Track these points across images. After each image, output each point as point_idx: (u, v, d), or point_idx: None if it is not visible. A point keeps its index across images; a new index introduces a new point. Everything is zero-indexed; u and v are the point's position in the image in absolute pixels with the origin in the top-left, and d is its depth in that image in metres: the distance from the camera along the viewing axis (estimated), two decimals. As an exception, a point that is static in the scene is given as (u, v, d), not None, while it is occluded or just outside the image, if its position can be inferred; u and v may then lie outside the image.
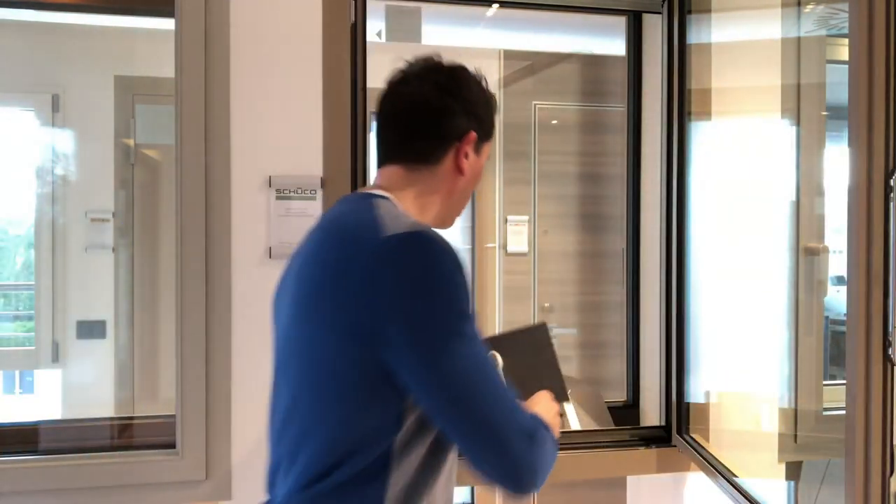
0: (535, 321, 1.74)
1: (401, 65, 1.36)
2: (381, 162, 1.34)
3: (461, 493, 3.36)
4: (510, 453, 1.13)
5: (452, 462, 1.27)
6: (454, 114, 1.30)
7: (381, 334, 1.10)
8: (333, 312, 1.15)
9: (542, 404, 1.40)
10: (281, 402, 1.26)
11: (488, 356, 1.16)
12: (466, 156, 1.31)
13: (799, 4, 2.32)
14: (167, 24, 2.05)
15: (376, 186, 1.32)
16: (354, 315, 1.12)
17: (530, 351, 1.64)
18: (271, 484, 1.27)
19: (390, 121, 1.33)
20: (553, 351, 1.68)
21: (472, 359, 1.12)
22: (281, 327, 1.30)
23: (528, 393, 1.43)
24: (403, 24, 3.15)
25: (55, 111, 3.11)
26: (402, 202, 1.28)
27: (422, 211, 1.31)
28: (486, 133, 1.36)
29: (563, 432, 2.37)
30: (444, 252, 1.13)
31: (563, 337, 3.33)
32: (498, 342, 1.55)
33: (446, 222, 1.37)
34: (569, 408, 2.39)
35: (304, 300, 1.21)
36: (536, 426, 1.20)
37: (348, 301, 1.13)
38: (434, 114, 1.30)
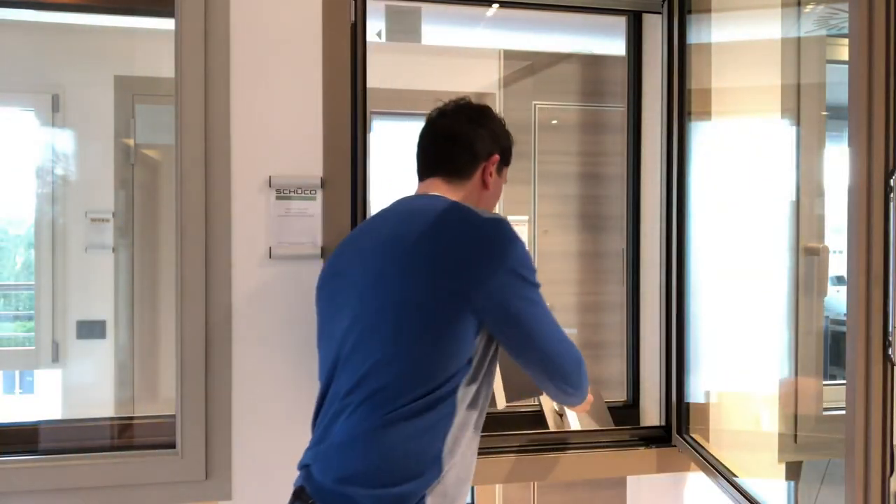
0: None
1: (438, 105, 1.77)
2: (424, 175, 1.71)
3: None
4: (570, 376, 1.62)
5: (482, 416, 1.58)
6: (482, 139, 1.69)
7: (486, 284, 1.46)
8: (443, 266, 1.48)
9: None
10: (347, 347, 1.54)
11: None
12: (490, 174, 1.70)
13: (799, 4, 2.32)
14: (167, 24, 2.05)
15: (423, 193, 1.68)
16: (464, 268, 1.46)
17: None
18: (329, 419, 1.54)
19: (432, 144, 1.71)
20: None
21: (544, 306, 1.56)
22: (354, 284, 1.59)
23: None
24: (403, 24, 3.15)
25: (55, 111, 3.11)
26: None
27: None
28: (505, 159, 1.76)
29: (562, 432, 2.38)
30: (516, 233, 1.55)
31: (563, 337, 3.32)
32: None
33: None
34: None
35: (402, 258, 1.52)
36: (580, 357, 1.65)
37: (459, 258, 1.47)
38: (467, 138, 1.68)
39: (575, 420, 2.43)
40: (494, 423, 2.27)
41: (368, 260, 1.58)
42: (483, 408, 1.57)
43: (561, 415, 2.46)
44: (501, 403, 2.24)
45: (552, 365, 1.57)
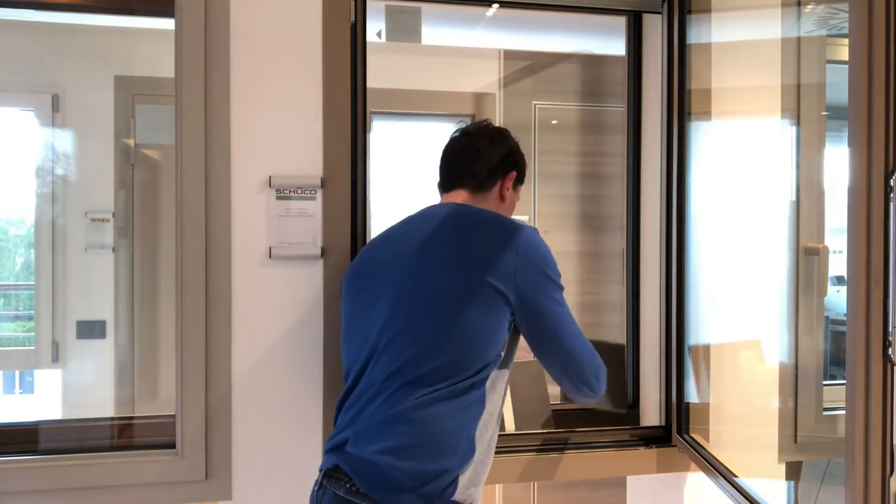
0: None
1: (461, 125, 1.94)
2: (448, 187, 1.86)
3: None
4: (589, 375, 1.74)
5: (502, 408, 1.71)
6: (501, 157, 1.83)
7: (520, 281, 1.62)
8: (480, 261, 1.61)
9: None
10: (385, 338, 1.63)
11: None
12: (507, 189, 1.84)
13: (799, 4, 2.32)
14: (167, 24, 2.05)
15: (450, 202, 1.82)
16: (500, 265, 1.60)
17: None
18: (364, 403, 1.62)
19: (456, 159, 1.86)
20: None
21: (568, 309, 1.70)
22: (393, 279, 1.69)
23: None
24: (403, 24, 3.15)
25: (55, 111, 3.11)
26: None
27: None
28: (521, 177, 1.89)
29: (560, 432, 2.38)
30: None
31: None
32: None
33: None
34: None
35: (442, 254, 1.66)
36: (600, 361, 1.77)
37: (496, 256, 1.61)
38: (488, 155, 1.83)
39: (511, 421, 2.44)
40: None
41: (407, 257, 1.68)
42: (504, 398, 1.72)
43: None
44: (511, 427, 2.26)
45: (572, 364, 1.69)
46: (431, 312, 1.61)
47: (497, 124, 1.93)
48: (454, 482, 1.57)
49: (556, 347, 1.68)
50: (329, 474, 1.62)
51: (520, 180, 1.89)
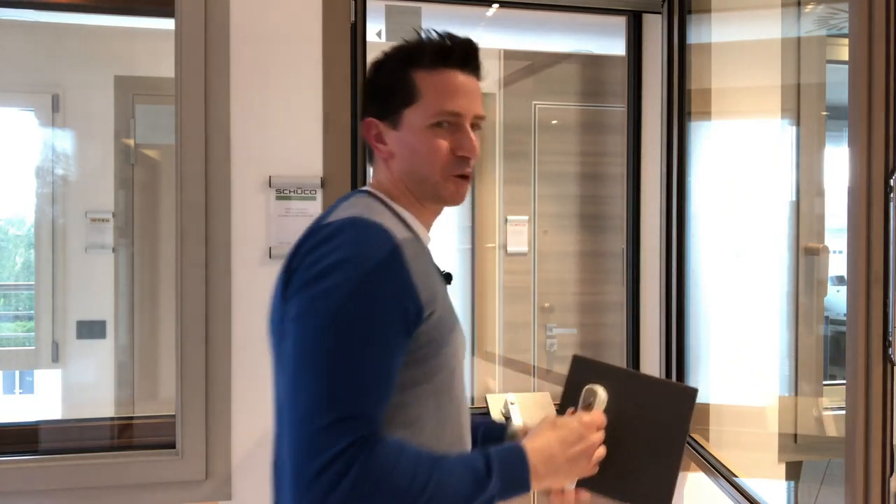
0: (685, 386, 1.31)
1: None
2: None
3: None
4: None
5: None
6: (362, 119, 1.29)
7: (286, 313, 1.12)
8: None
9: (549, 449, 1.19)
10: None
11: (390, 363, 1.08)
12: (378, 139, 1.25)
13: (799, 4, 2.32)
14: (167, 24, 2.05)
15: None
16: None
17: (655, 412, 1.21)
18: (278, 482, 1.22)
19: None
20: (685, 433, 1.21)
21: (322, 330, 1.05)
22: None
23: (620, 458, 1.23)
24: (403, 24, 3.14)
25: (55, 111, 3.11)
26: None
27: (400, 198, 1.25)
28: (389, 106, 1.24)
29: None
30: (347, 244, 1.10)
31: (563, 337, 3.32)
32: (622, 379, 1.25)
33: (435, 197, 1.25)
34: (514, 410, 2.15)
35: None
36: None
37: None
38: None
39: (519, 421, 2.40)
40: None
41: None
42: None
43: (507, 417, 2.43)
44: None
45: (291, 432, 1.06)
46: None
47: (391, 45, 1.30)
48: None
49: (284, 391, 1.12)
50: None
51: (393, 109, 1.23)
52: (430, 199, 1.25)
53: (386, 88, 1.24)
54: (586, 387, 1.24)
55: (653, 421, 1.22)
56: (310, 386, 1.03)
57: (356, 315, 1.05)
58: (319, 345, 1.05)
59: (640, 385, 1.26)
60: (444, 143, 1.21)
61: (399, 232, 1.14)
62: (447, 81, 1.23)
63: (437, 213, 1.30)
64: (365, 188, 1.27)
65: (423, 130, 1.21)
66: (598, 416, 1.23)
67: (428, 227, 1.29)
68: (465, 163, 1.23)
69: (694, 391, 1.22)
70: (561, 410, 1.29)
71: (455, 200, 1.25)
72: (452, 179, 1.23)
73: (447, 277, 1.29)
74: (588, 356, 1.34)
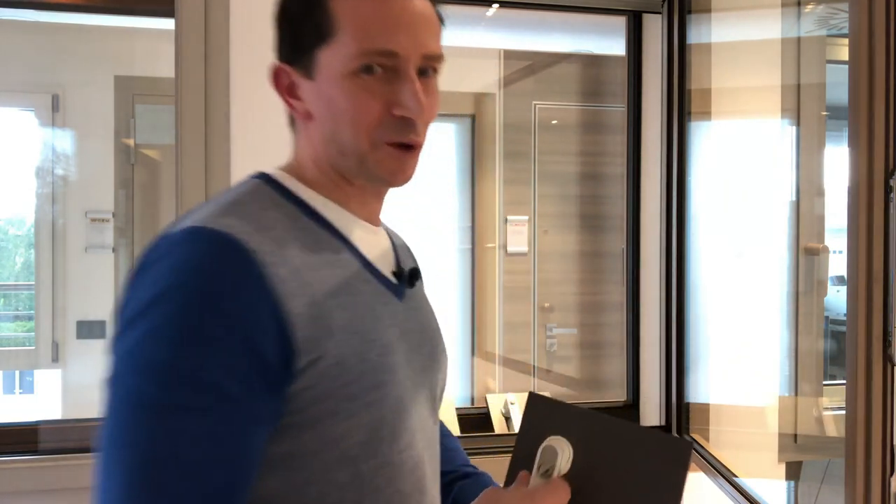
0: (676, 438, 1.05)
1: None
2: None
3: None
4: None
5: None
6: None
7: None
8: None
9: None
10: None
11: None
12: (291, 92, 0.89)
13: (799, 4, 2.32)
14: (167, 24, 2.05)
15: None
16: None
17: (637, 473, 0.86)
18: None
19: None
20: (678, 499, 0.85)
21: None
22: None
23: None
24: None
25: (55, 111, 3.11)
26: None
27: (319, 179, 0.91)
28: (299, 45, 0.87)
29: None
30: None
31: (563, 337, 3.32)
32: (592, 429, 0.90)
33: (365, 174, 0.89)
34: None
35: None
36: None
37: None
38: None
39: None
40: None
41: None
42: None
43: (507, 418, 2.44)
44: None
45: None
46: None
47: None
48: None
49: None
50: None
51: (305, 49, 0.86)
52: (360, 176, 0.88)
53: (294, 19, 0.88)
54: (544, 444, 0.89)
55: (634, 485, 0.86)
56: (113, 488, 0.71)
57: (176, 375, 0.72)
58: (127, 427, 0.72)
59: (617, 438, 0.89)
60: (373, 98, 0.84)
61: (276, 237, 0.79)
62: (377, 4, 0.84)
63: (381, 195, 0.94)
64: (269, 170, 0.92)
65: (343, 79, 0.84)
66: (558, 490, 0.85)
67: (369, 215, 0.92)
68: (407, 125, 0.85)
69: (688, 445, 0.87)
70: (512, 467, 0.94)
71: (394, 178, 0.88)
72: (386, 149, 0.86)
73: (412, 274, 0.95)
74: (546, 396, 1.02)
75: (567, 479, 0.87)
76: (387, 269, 0.92)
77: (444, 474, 1.04)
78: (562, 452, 0.88)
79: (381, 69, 0.84)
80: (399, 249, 1.00)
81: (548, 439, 0.89)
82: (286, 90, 0.90)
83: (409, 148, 0.87)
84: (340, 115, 0.85)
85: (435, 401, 0.97)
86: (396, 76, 0.84)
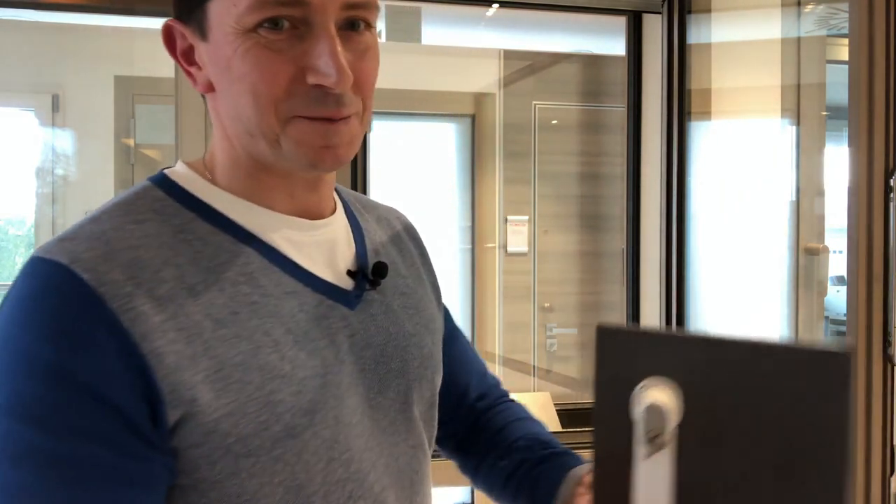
0: (829, 350, 0.58)
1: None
2: None
3: (461, 493, 3.36)
4: None
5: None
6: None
7: None
8: None
9: None
10: None
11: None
12: (187, 57, 0.74)
13: (799, 4, 2.32)
14: (167, 24, 2.04)
15: None
16: None
17: (781, 404, 0.60)
18: None
19: None
20: (845, 429, 0.59)
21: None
22: None
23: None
24: (403, 24, 3.15)
25: (55, 111, 3.11)
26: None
27: (229, 171, 0.75)
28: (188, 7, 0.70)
29: (560, 432, 2.38)
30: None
31: (563, 337, 3.32)
32: (702, 356, 0.63)
33: (276, 159, 0.69)
34: None
35: None
36: None
37: None
38: None
39: None
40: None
41: None
42: None
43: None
44: None
45: None
46: None
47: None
48: None
49: None
50: None
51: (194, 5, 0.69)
52: (277, 161, 0.69)
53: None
54: (644, 400, 0.61)
55: (776, 426, 0.60)
56: None
57: (24, 434, 0.58)
58: None
59: (741, 365, 0.62)
60: (279, 60, 0.64)
61: (139, 260, 0.63)
62: None
63: (318, 183, 0.74)
64: (177, 165, 0.78)
65: (237, 37, 0.65)
66: None
67: (302, 208, 0.73)
68: (327, 97, 0.65)
69: (846, 358, 0.59)
70: (598, 434, 0.65)
71: (317, 161, 0.67)
72: (300, 124, 0.66)
73: (377, 269, 0.76)
74: (622, 326, 0.80)
75: (680, 437, 0.61)
76: (333, 270, 0.73)
77: (503, 469, 0.93)
78: (671, 407, 0.60)
79: (289, 23, 0.63)
80: (372, 239, 0.81)
81: (644, 388, 0.62)
82: (182, 55, 0.73)
83: (330, 122, 0.66)
84: (239, 83, 0.65)
85: (412, 421, 0.77)
86: (310, 32, 0.64)
